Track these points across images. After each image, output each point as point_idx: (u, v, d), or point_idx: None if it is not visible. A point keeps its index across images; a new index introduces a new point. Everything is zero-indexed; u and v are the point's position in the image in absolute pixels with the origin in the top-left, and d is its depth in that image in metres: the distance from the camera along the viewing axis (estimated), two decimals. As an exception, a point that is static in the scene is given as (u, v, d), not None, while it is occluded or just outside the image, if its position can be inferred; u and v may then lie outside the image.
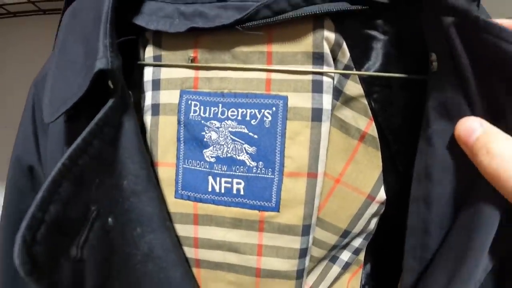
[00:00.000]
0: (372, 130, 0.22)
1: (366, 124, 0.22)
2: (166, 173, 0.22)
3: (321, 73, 0.20)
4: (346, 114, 0.22)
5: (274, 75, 0.20)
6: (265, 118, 0.20)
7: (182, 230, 0.22)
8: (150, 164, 0.22)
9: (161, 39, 0.22)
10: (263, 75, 0.20)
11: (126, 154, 0.20)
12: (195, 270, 0.23)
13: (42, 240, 0.14)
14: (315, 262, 0.24)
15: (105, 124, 0.18)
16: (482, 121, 0.17)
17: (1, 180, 1.00)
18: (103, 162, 0.18)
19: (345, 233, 0.23)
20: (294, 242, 0.21)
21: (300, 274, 0.22)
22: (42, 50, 0.88)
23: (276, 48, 0.20)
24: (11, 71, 0.90)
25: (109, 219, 0.18)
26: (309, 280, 0.25)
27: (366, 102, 0.22)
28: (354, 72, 0.21)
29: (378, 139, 0.22)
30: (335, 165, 0.22)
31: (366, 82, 0.22)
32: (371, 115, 0.22)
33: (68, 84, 0.20)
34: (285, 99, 0.20)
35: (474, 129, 0.16)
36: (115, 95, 0.19)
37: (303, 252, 0.22)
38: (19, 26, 0.88)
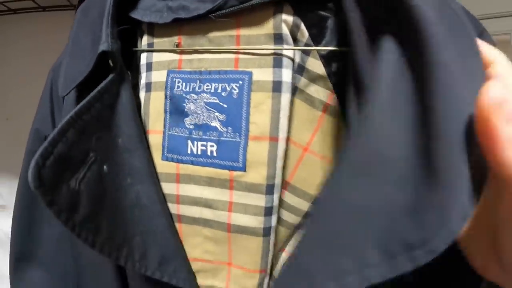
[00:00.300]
0: (333, 101, 0.25)
1: (327, 96, 0.25)
2: (155, 139, 0.27)
3: (281, 51, 0.24)
4: (310, 88, 0.25)
5: (242, 55, 0.25)
6: (233, 90, 0.25)
7: (167, 188, 0.27)
8: (142, 130, 0.27)
9: (153, 29, 0.27)
10: (232, 55, 0.25)
11: (121, 118, 0.25)
12: (177, 225, 0.28)
13: (49, 166, 0.20)
14: (291, 229, 0.27)
15: (105, 92, 0.24)
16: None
17: (3, 169, 1.04)
18: (103, 121, 0.23)
19: None
20: (260, 200, 0.25)
21: (267, 232, 0.26)
22: (41, 46, 0.93)
23: (243, 32, 0.25)
24: (12, 67, 0.95)
25: (104, 167, 0.23)
26: (289, 248, 0.28)
27: (326, 76, 0.25)
28: (306, 47, 0.24)
29: (339, 109, 0.25)
30: (303, 135, 0.25)
31: (324, 58, 0.25)
32: (331, 87, 0.25)
33: (79, 66, 0.26)
34: (250, 74, 0.24)
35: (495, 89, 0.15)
36: (114, 71, 0.25)
37: (268, 211, 0.25)
38: (20, 22, 0.93)
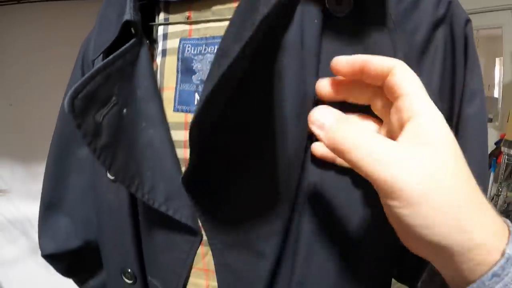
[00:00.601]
0: None
1: None
2: (168, 95, 0.34)
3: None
4: None
5: None
6: None
7: (176, 135, 0.34)
8: (157, 86, 0.33)
9: (169, 7, 0.34)
10: None
11: (140, 74, 0.31)
12: (183, 169, 0.34)
13: (80, 98, 0.26)
14: None
15: (127, 52, 0.30)
16: (334, 110, 0.23)
17: (5, 154, 1.10)
18: (124, 74, 0.30)
19: None
20: None
21: None
22: (44, 35, 0.99)
23: None
24: (16, 55, 1.01)
25: (124, 110, 0.30)
26: None
27: None
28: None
29: None
30: None
31: None
32: None
33: (106, 35, 0.32)
34: None
35: (326, 117, 0.23)
36: (135, 37, 0.31)
37: None
38: (23, 12, 0.99)
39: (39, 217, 0.46)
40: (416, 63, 0.31)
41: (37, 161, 1.04)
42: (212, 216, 0.31)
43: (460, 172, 0.20)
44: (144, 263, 0.40)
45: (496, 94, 1.86)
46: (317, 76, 0.28)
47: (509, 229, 0.21)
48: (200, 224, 0.32)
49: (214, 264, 0.33)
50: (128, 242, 0.39)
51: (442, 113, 0.31)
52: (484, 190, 0.32)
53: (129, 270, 0.40)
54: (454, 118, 0.33)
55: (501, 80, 1.80)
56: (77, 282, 0.54)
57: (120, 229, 0.39)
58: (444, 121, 0.21)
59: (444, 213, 0.19)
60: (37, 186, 1.09)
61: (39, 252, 1.20)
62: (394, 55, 0.30)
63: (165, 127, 0.32)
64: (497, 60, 1.87)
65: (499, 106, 1.76)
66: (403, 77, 0.22)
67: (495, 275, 0.19)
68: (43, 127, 0.99)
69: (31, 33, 1.01)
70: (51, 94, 0.99)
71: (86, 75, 0.27)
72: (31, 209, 1.07)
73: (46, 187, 0.46)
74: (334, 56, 0.25)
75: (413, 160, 0.20)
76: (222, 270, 0.33)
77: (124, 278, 0.41)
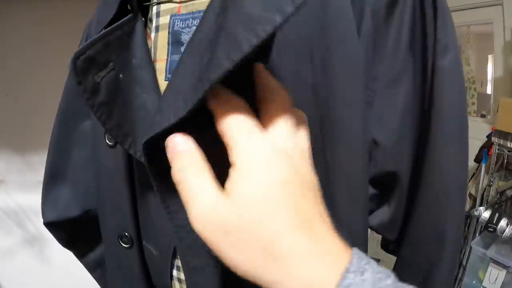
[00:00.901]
0: None
1: None
2: (161, 65, 0.38)
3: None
4: None
5: None
6: None
7: None
8: (150, 56, 0.37)
9: None
10: None
11: (136, 45, 0.35)
12: None
13: (82, 60, 0.30)
14: None
15: (125, 25, 0.34)
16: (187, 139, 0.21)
17: (1, 144, 1.13)
18: (121, 44, 0.34)
19: None
20: None
21: None
22: (40, 25, 1.02)
23: None
24: (12, 45, 1.03)
25: (120, 75, 0.34)
26: None
27: None
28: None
29: None
30: None
31: None
32: None
33: (107, 13, 0.37)
34: None
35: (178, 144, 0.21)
36: (132, 13, 0.35)
37: None
38: (19, 2, 1.02)
39: (42, 187, 0.51)
40: (384, 17, 0.35)
41: (33, 151, 1.07)
42: None
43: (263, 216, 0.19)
44: (140, 228, 0.44)
45: (488, 91, 1.91)
46: None
47: (350, 258, 0.20)
48: None
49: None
50: (125, 206, 0.42)
51: (415, 66, 0.34)
52: (464, 146, 0.37)
53: (126, 234, 0.44)
54: (428, 72, 0.36)
55: (494, 77, 1.84)
56: (77, 255, 0.58)
57: (118, 193, 0.42)
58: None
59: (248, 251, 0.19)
60: (33, 177, 1.13)
61: (34, 244, 1.25)
62: (361, 10, 0.34)
63: (157, 92, 0.36)
64: (489, 57, 1.92)
65: (491, 101, 1.81)
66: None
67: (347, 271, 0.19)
68: (39, 118, 1.02)
69: (29, 24, 1.04)
70: (48, 85, 1.02)
71: (88, 41, 0.31)
72: (26, 200, 1.10)
73: (50, 159, 0.51)
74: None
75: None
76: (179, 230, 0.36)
77: (121, 242, 0.45)
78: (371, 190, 0.42)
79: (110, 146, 0.41)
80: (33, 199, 1.12)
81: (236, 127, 0.21)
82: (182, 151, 0.22)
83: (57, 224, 0.52)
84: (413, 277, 0.43)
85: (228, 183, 0.20)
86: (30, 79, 1.01)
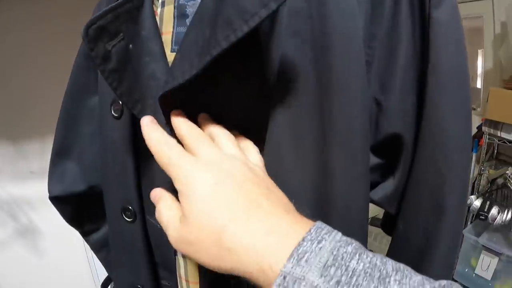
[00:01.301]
0: None
1: None
2: (167, 38, 0.40)
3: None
4: None
5: None
6: None
7: None
8: (158, 28, 0.39)
9: None
10: None
11: (144, 18, 0.38)
12: None
13: (93, 29, 0.32)
14: None
15: (133, 0, 0.36)
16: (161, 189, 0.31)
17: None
18: (131, 16, 0.36)
19: None
20: None
21: None
22: (36, 16, 1.03)
23: None
24: (6, 33, 1.03)
25: (130, 45, 0.36)
26: None
27: None
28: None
29: None
30: None
31: None
32: None
33: None
34: None
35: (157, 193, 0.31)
36: None
37: None
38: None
39: (50, 161, 0.53)
40: None
41: (26, 142, 1.07)
42: None
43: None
44: (143, 203, 0.45)
45: (479, 85, 1.96)
46: None
47: (308, 229, 0.22)
48: None
49: None
50: (129, 179, 0.44)
51: (414, 21, 0.36)
52: (465, 103, 0.35)
53: (130, 208, 0.45)
54: (426, 24, 0.35)
55: (484, 70, 1.89)
56: (81, 233, 0.60)
57: (122, 165, 0.44)
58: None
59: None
60: (25, 168, 1.13)
61: (27, 235, 1.26)
62: None
63: (165, 62, 0.39)
64: (479, 51, 1.97)
65: (481, 95, 1.86)
66: None
67: (304, 240, 0.21)
68: (32, 106, 1.03)
69: (22, 14, 1.04)
70: (41, 73, 1.03)
71: (99, 12, 0.33)
72: (19, 191, 1.10)
73: (58, 134, 0.53)
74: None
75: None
76: None
77: (124, 216, 0.46)
78: (375, 160, 0.41)
79: (116, 118, 0.42)
80: (26, 190, 1.13)
81: (172, 159, 0.27)
82: (159, 196, 0.30)
83: (62, 198, 0.54)
84: (408, 257, 0.40)
85: (182, 207, 0.26)
86: (23, 70, 1.02)
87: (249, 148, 0.33)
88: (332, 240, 0.21)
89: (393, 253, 0.43)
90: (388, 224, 0.47)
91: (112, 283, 0.62)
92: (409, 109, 0.38)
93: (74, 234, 1.19)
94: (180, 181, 0.26)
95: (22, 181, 1.07)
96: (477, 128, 1.56)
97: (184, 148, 0.29)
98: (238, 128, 0.34)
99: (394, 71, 0.37)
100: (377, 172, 0.41)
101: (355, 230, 0.37)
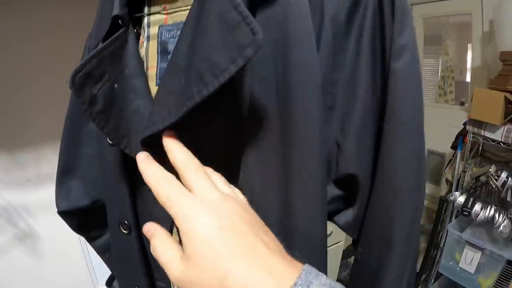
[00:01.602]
0: None
1: None
2: (152, 72, 0.44)
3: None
4: None
5: None
6: None
7: None
8: (143, 66, 0.43)
9: (151, 1, 0.44)
10: None
11: (128, 56, 0.41)
12: None
13: (79, 77, 0.36)
14: None
15: (117, 39, 0.40)
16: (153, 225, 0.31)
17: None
18: (115, 57, 0.40)
19: None
20: None
21: None
22: (31, 22, 1.04)
23: None
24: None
25: (115, 85, 0.39)
26: None
27: None
28: None
29: None
30: None
31: None
32: None
33: (102, 28, 0.43)
34: None
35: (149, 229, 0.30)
36: (123, 28, 0.41)
37: None
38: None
39: (56, 181, 0.59)
40: (344, 25, 0.38)
41: (21, 149, 1.10)
42: None
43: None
44: (138, 216, 0.50)
45: (468, 79, 2.00)
46: None
47: (299, 273, 0.24)
48: None
49: None
50: (124, 197, 0.49)
51: (375, 70, 0.38)
52: (417, 149, 0.38)
53: (126, 222, 0.50)
54: (386, 75, 0.38)
55: (472, 66, 1.93)
56: (87, 239, 0.66)
57: (118, 185, 0.48)
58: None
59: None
60: (22, 175, 1.17)
61: (26, 240, 1.32)
62: (321, 19, 0.37)
63: (149, 98, 0.41)
64: (469, 45, 2.00)
65: (469, 90, 1.91)
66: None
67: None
68: (26, 115, 1.06)
69: (18, 21, 1.05)
70: (35, 81, 1.05)
71: (84, 59, 0.37)
72: (16, 197, 1.14)
73: (61, 156, 0.58)
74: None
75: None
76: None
77: (121, 229, 0.51)
78: (337, 191, 0.45)
79: (111, 145, 0.47)
80: (23, 197, 1.17)
81: (172, 196, 0.28)
82: (152, 232, 0.30)
83: (69, 213, 0.60)
84: (365, 276, 0.45)
85: (183, 246, 0.27)
86: (19, 77, 1.04)
87: (232, 185, 0.35)
88: (319, 284, 0.24)
89: (354, 272, 0.49)
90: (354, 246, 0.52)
91: (116, 281, 0.69)
92: (365, 152, 0.41)
93: (72, 239, 1.24)
94: (181, 220, 0.27)
95: (19, 189, 1.11)
96: (463, 124, 1.60)
97: (180, 180, 0.30)
98: (216, 167, 0.37)
99: (353, 116, 0.40)
100: (339, 201, 0.46)
101: (316, 252, 0.43)
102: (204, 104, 0.30)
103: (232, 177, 0.37)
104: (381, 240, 0.42)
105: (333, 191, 0.44)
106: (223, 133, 0.39)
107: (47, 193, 1.11)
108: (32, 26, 1.03)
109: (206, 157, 0.37)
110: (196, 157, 0.32)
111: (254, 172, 0.37)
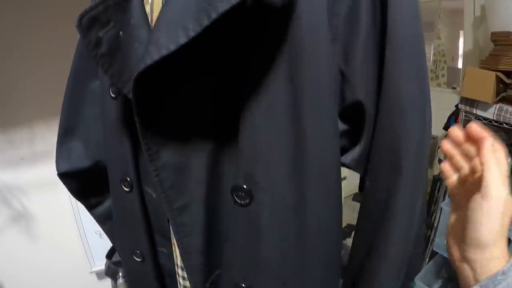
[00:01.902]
0: None
1: None
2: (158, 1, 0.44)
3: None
4: None
5: None
6: None
7: None
8: (147, 17, 0.43)
9: None
10: None
11: (133, 8, 0.42)
12: None
13: (86, 19, 0.38)
14: None
15: None
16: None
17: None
18: (121, 7, 0.41)
19: None
20: None
21: None
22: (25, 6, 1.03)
23: None
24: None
25: (120, 32, 0.41)
26: None
27: None
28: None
29: None
30: None
31: None
32: None
33: None
34: None
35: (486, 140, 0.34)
36: None
37: None
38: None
39: (56, 142, 0.60)
40: None
41: (14, 128, 1.10)
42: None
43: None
44: (140, 174, 0.51)
45: (460, 65, 2.04)
46: None
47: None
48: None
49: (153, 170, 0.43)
50: (126, 153, 0.50)
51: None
52: (420, 69, 0.40)
53: (128, 179, 0.51)
54: (385, 2, 0.39)
55: (464, 50, 1.96)
56: (87, 207, 0.67)
57: (120, 141, 0.49)
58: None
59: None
60: (15, 154, 1.15)
61: (20, 221, 1.31)
62: None
63: None
64: (461, 32, 2.03)
65: (461, 75, 1.94)
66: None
67: (503, 273, 0.31)
68: (20, 93, 1.05)
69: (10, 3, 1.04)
70: (28, 62, 1.05)
71: (91, 5, 0.39)
72: (10, 177, 1.13)
73: (63, 116, 0.59)
74: None
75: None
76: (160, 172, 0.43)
77: (122, 186, 0.52)
78: (343, 126, 0.46)
79: (113, 98, 0.47)
80: (17, 176, 1.16)
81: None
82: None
83: (69, 174, 0.60)
84: (374, 209, 0.46)
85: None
86: (10, 55, 1.03)
87: None
88: None
89: (362, 208, 0.50)
90: (362, 184, 0.52)
91: (116, 253, 0.69)
92: (369, 79, 0.42)
93: (67, 218, 1.23)
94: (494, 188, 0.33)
95: (13, 168, 1.11)
96: (455, 106, 1.63)
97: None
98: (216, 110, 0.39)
99: (356, 46, 0.41)
100: (345, 138, 0.47)
101: (330, 186, 0.44)
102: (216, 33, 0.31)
103: (230, 131, 0.39)
104: (390, 167, 0.43)
105: (339, 126, 0.45)
106: (217, 83, 0.40)
107: (42, 172, 1.12)
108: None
109: (200, 108, 0.39)
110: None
111: (259, 103, 0.39)
